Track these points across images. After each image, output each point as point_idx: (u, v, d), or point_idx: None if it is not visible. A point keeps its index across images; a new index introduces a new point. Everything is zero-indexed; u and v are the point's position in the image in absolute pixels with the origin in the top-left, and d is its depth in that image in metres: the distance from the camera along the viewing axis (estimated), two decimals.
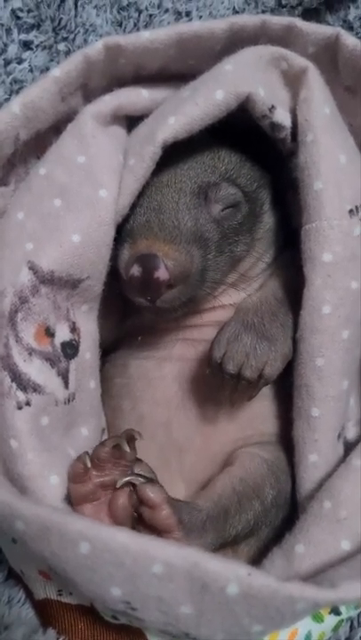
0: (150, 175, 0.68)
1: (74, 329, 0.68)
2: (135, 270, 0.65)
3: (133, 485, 0.62)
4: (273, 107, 0.68)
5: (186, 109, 0.65)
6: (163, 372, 0.78)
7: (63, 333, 0.67)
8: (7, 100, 0.84)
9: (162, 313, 0.71)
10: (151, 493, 0.61)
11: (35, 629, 0.67)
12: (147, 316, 0.73)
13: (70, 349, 0.67)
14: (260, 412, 0.77)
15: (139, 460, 0.65)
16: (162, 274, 0.65)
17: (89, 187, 0.66)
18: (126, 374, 0.81)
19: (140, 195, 0.70)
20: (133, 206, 0.70)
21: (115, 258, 0.69)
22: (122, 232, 0.70)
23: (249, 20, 0.69)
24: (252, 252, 0.78)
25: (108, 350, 0.82)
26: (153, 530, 0.62)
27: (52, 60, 0.89)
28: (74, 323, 0.68)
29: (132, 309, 0.78)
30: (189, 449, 0.76)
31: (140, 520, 0.63)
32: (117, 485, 0.62)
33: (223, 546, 0.69)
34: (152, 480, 0.63)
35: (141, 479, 0.62)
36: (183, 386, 0.77)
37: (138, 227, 0.69)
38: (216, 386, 0.71)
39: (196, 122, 0.65)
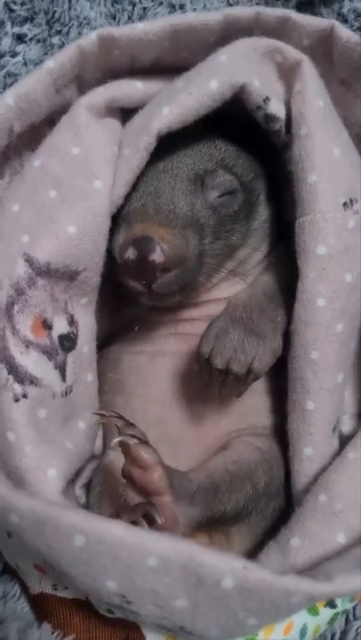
0: (145, 166, 0.68)
1: (72, 322, 0.68)
2: (130, 253, 0.65)
3: (126, 446, 0.62)
4: (267, 98, 0.68)
5: (180, 99, 0.65)
6: (155, 367, 0.78)
7: (61, 326, 0.66)
8: (0, 93, 0.84)
9: (158, 299, 0.70)
10: (145, 454, 0.61)
11: (29, 624, 0.67)
12: (143, 301, 0.72)
13: (68, 342, 0.67)
14: (255, 405, 0.77)
15: (131, 424, 0.64)
16: (157, 257, 0.64)
17: (84, 178, 0.65)
18: (119, 369, 0.80)
19: (136, 183, 0.70)
20: (128, 196, 0.69)
21: (109, 249, 0.68)
22: (117, 219, 0.69)
23: (243, 11, 0.69)
24: (247, 242, 0.77)
25: (99, 345, 0.81)
26: (142, 493, 0.62)
27: (45, 54, 0.89)
28: (72, 315, 0.68)
29: (126, 301, 0.77)
30: (184, 443, 0.75)
31: (130, 483, 0.63)
32: (111, 445, 0.61)
33: (213, 523, 0.69)
34: (146, 442, 0.63)
35: (135, 440, 0.62)
36: (176, 380, 0.77)
37: (134, 211, 0.69)
38: (205, 382, 0.70)
39: (191, 112, 0.65)
